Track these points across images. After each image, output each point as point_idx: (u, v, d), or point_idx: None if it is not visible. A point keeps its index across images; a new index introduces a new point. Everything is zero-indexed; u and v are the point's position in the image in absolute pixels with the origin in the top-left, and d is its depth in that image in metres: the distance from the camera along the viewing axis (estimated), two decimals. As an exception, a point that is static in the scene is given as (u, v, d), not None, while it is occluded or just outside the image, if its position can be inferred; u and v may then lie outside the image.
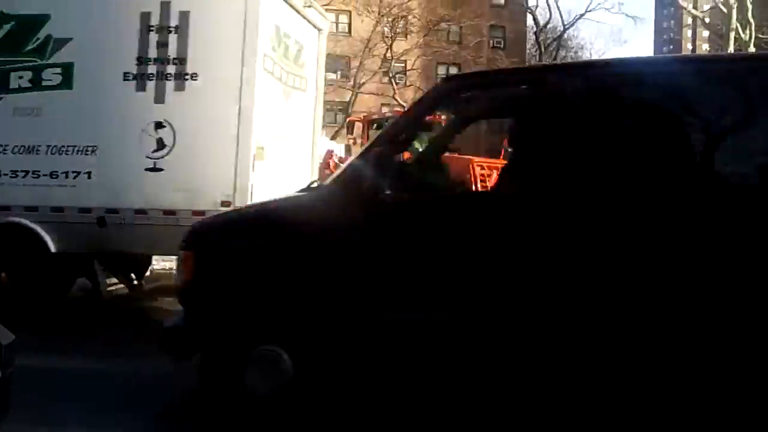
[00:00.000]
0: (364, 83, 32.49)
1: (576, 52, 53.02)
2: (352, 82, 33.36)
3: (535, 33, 42.50)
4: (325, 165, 15.89)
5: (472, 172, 13.07)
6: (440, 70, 41.68)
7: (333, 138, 31.09)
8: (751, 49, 24.86)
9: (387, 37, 32.14)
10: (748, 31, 24.84)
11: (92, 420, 4.34)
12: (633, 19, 57.85)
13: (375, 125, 18.61)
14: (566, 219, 3.73)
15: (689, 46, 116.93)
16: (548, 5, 73.10)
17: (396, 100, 31.98)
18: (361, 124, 19.25)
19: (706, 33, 58.60)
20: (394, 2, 31.22)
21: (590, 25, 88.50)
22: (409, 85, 35.21)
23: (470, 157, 14.15)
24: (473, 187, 12.44)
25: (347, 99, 34.95)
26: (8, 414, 3.30)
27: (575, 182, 3.77)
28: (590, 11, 62.28)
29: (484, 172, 13.63)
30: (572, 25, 43.71)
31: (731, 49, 23.32)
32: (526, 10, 43.34)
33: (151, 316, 7.90)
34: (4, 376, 3.27)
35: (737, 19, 23.80)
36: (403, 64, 35.41)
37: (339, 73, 38.90)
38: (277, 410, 4.06)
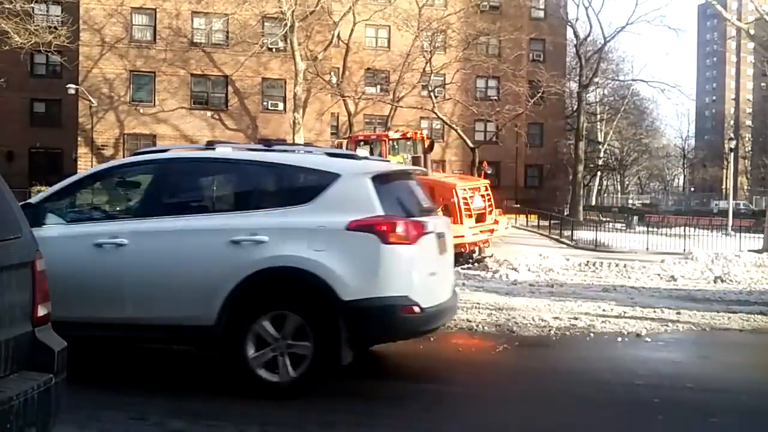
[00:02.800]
0: (403, 97, 32.62)
1: (617, 65, 52.60)
2: (391, 96, 33.51)
3: (575, 46, 42.25)
4: None
5: (456, 195, 14.24)
6: (479, 83, 41.64)
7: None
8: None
9: (426, 51, 32.23)
10: (794, 43, 24.37)
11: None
12: (675, 30, 56.75)
13: (362, 143, 20.16)
14: None
15: (733, 58, 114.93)
16: (588, 18, 72.71)
17: (435, 113, 32.03)
18: (348, 143, 20.60)
19: (751, 45, 57.47)
20: (434, 17, 31.37)
21: (632, 37, 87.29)
22: (448, 99, 35.28)
23: (455, 182, 15.44)
24: (456, 209, 14.03)
25: (386, 113, 35.12)
26: (58, 418, 3.42)
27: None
28: (631, 24, 61.46)
29: (467, 195, 15.13)
30: (613, 37, 43.40)
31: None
32: (566, 23, 43.12)
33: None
34: (56, 380, 3.39)
35: (783, 31, 23.35)
36: (442, 78, 35.47)
37: (378, 87, 39.15)
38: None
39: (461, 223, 14.41)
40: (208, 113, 30.84)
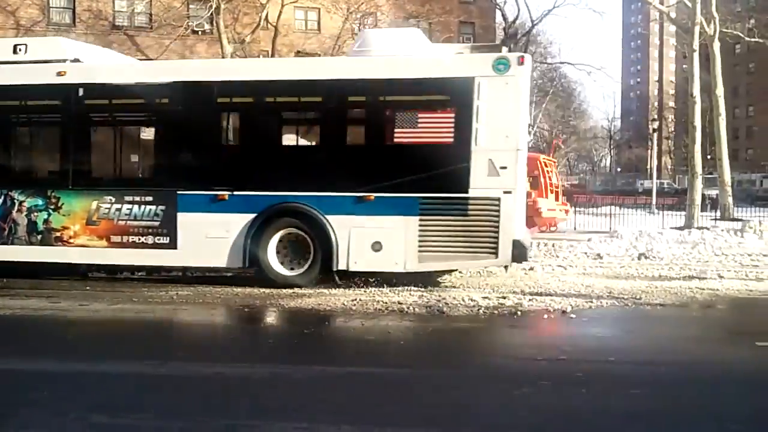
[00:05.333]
0: (334, 80, 32.36)
1: (545, 48, 53.45)
2: (322, 79, 33.23)
3: (504, 29, 42.66)
4: None
5: (540, 167, 13.54)
6: (410, 66, 41.67)
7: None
8: (716, 43, 25.21)
9: (356, 34, 32.01)
10: (712, 26, 25.14)
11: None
12: (600, 14, 58.15)
13: None
14: None
15: (656, 41, 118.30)
16: (516, 1, 73.70)
17: (366, 97, 31.94)
18: None
19: (672, 28, 59.20)
20: (363, -1, 31.17)
21: (559, 20, 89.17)
22: (380, 82, 35.19)
23: (537, 154, 14.70)
24: (543, 180, 13.33)
25: (317, 96, 34.79)
26: None
27: None
28: (557, 7, 62.71)
29: (547, 169, 14.76)
30: (540, 21, 44.04)
31: (696, 44, 23.57)
32: (495, 6, 43.49)
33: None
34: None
35: (702, 14, 24.07)
36: (374, 61, 35.36)
37: (309, 70, 38.73)
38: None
39: (546, 197, 13.58)
40: (133, 99, 29.95)
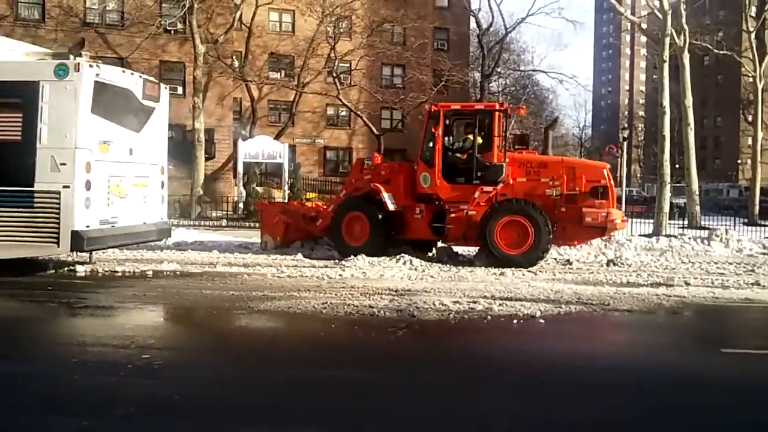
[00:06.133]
0: (308, 83, 32.27)
1: (519, 55, 53.85)
2: (296, 82, 33.09)
3: (478, 36, 42.93)
4: None
5: (608, 177, 13.54)
6: (385, 70, 41.72)
7: (277, 137, 30.82)
8: (686, 55, 25.59)
9: (330, 37, 31.98)
10: (682, 37, 25.53)
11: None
12: (573, 23, 58.64)
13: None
14: None
15: (628, 51, 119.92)
16: (491, 8, 74.16)
17: (340, 100, 31.88)
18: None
19: (644, 38, 60.00)
20: (337, 2, 31.08)
21: (532, 28, 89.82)
22: (354, 86, 35.16)
23: (603, 163, 14.56)
24: (611, 191, 13.25)
25: (291, 98, 34.67)
26: None
27: None
28: (531, 15, 63.13)
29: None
30: (514, 28, 44.34)
31: (666, 55, 23.91)
32: (470, 12, 43.77)
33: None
34: None
35: (672, 25, 24.42)
36: (348, 65, 35.31)
37: (283, 72, 38.59)
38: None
39: (615, 206, 13.68)
40: (103, 97, 29.53)
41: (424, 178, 13.82)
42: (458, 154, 14.08)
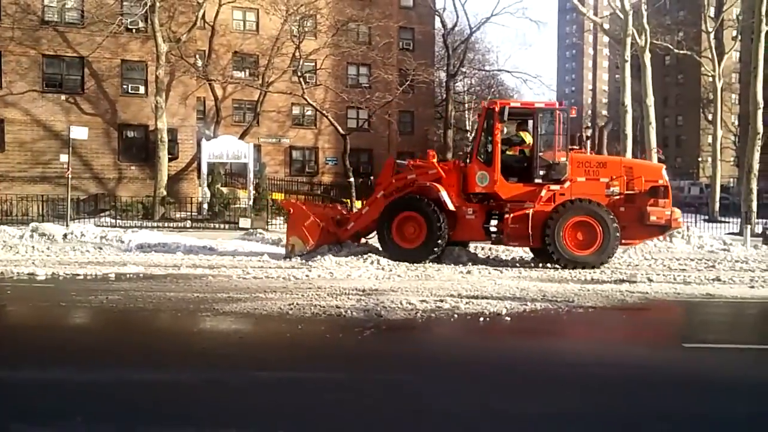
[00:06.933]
0: (272, 82, 32.02)
1: (483, 55, 54.15)
2: (260, 81, 32.84)
3: (443, 35, 43.06)
4: None
5: (665, 176, 13.67)
6: (350, 70, 41.61)
7: (242, 137, 30.53)
8: (647, 54, 25.98)
9: (295, 36, 31.78)
10: (643, 37, 25.93)
11: None
12: (536, 23, 59.25)
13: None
14: None
15: (590, 51, 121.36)
16: (455, 8, 74.49)
17: (305, 99, 31.71)
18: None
19: (606, 38, 60.78)
20: (302, 1, 30.89)
21: (497, 28, 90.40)
22: (319, 85, 34.96)
23: (660, 164, 14.57)
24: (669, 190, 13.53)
25: (256, 98, 34.40)
26: None
27: None
28: (496, 15, 63.65)
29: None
30: (478, 28, 44.56)
31: (628, 54, 24.25)
32: (434, 12, 43.86)
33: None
34: None
35: (633, 25, 24.77)
36: (313, 64, 35.14)
37: (247, 71, 38.26)
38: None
39: (671, 206, 13.70)
40: (63, 97, 28.92)
41: (481, 176, 13.36)
42: (514, 152, 13.74)
